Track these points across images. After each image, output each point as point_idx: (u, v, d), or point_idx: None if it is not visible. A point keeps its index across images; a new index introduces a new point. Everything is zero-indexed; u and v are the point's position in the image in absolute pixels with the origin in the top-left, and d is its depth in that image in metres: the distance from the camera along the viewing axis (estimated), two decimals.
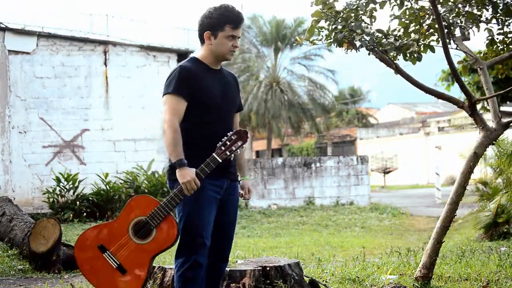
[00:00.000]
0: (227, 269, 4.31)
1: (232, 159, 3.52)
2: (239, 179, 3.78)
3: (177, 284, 3.54)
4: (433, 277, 4.80)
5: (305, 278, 4.58)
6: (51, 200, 12.34)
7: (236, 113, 3.79)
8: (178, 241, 3.54)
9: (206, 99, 3.54)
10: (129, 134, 14.05)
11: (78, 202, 12.30)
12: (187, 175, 3.39)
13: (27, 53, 13.50)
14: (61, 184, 12.37)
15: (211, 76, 3.61)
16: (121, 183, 12.76)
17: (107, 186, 12.44)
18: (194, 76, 3.54)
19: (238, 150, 3.43)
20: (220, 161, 3.41)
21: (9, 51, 13.38)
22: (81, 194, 12.43)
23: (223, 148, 3.42)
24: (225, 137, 3.43)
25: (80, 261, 3.63)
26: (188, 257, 3.49)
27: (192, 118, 3.54)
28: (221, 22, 3.54)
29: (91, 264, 3.59)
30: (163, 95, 3.55)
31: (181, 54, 14.89)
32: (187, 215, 3.51)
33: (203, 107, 3.54)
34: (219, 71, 3.69)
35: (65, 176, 12.40)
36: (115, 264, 3.53)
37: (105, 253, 3.55)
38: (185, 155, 3.46)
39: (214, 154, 3.42)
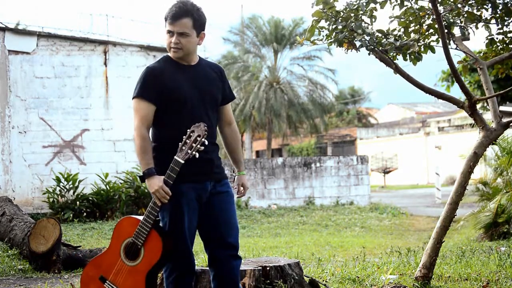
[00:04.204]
0: None
1: (199, 158, 3.35)
2: (235, 174, 3.68)
3: None
4: (433, 277, 4.80)
5: (305, 278, 4.58)
6: (51, 200, 12.34)
7: (224, 105, 3.66)
8: None
9: (174, 98, 3.42)
10: (129, 134, 14.02)
11: (78, 202, 12.30)
12: (154, 184, 3.33)
13: (27, 53, 13.50)
14: (61, 184, 12.37)
15: (181, 74, 3.47)
16: (121, 183, 12.76)
17: (107, 186, 12.44)
18: (160, 77, 3.42)
19: (199, 146, 3.28)
20: (183, 162, 3.29)
21: (9, 51, 13.38)
22: (81, 194, 12.43)
23: (183, 148, 3.29)
24: (184, 136, 3.30)
25: None
26: (176, 264, 3.45)
27: (165, 120, 3.44)
28: (165, 17, 3.46)
29: None
30: (132, 98, 3.47)
31: None
32: (169, 222, 3.44)
33: (173, 107, 3.43)
34: (195, 66, 3.53)
35: (65, 176, 12.40)
36: None
37: (106, 283, 3.51)
38: (161, 159, 3.39)
39: (175, 156, 3.31)
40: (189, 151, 3.28)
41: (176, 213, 3.42)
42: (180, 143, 3.31)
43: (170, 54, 3.50)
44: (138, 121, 3.41)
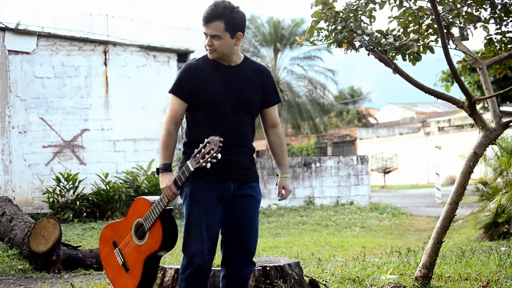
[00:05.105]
0: None
1: (235, 162, 3.42)
2: (279, 176, 3.65)
3: (180, 285, 3.51)
4: (433, 277, 4.80)
5: (305, 278, 4.58)
6: (51, 200, 12.34)
7: (267, 108, 3.62)
8: (184, 240, 3.47)
9: (204, 98, 3.44)
10: (129, 134, 14.05)
11: (78, 202, 12.31)
12: (164, 181, 3.41)
13: (27, 53, 13.51)
14: (61, 184, 12.38)
15: (216, 74, 3.48)
16: (121, 183, 12.76)
17: (107, 186, 12.45)
18: (195, 75, 3.45)
19: (212, 159, 3.26)
20: (193, 169, 3.30)
21: (9, 51, 13.39)
22: (81, 194, 12.43)
23: (197, 155, 3.30)
24: (201, 144, 3.30)
25: (101, 253, 3.90)
26: (190, 260, 3.43)
27: (195, 118, 3.49)
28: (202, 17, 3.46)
29: (107, 258, 3.82)
30: (168, 92, 3.57)
31: (181, 54, 14.90)
32: (187, 217, 3.47)
33: (203, 106, 3.46)
34: (235, 67, 3.52)
35: (65, 176, 12.40)
36: (121, 260, 3.69)
37: (116, 249, 3.72)
38: (188, 155, 3.42)
39: (188, 162, 3.33)
40: (201, 161, 3.28)
41: (193, 211, 3.44)
42: (195, 149, 3.31)
43: (208, 54, 3.51)
44: (168, 115, 3.49)
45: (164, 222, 3.50)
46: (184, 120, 3.60)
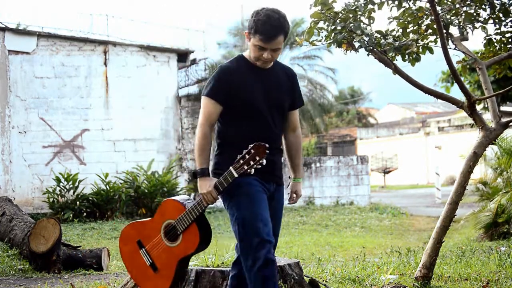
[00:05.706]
0: (227, 268, 4.30)
1: (275, 165, 3.43)
2: (291, 180, 3.65)
3: (258, 285, 3.32)
4: (433, 277, 4.80)
5: (305, 278, 4.58)
6: (51, 200, 12.35)
7: (292, 111, 3.64)
8: (241, 241, 3.37)
9: (242, 100, 3.42)
10: (129, 134, 14.05)
11: (78, 202, 12.31)
12: (204, 187, 3.35)
13: (27, 53, 13.52)
14: (61, 184, 12.38)
15: (252, 76, 3.47)
16: (121, 183, 12.77)
17: (107, 186, 12.45)
18: (232, 78, 3.43)
19: (256, 166, 3.24)
20: (237, 175, 3.28)
21: (9, 51, 13.39)
22: (81, 194, 12.44)
23: (241, 161, 3.27)
24: (245, 150, 3.27)
25: (122, 252, 3.87)
26: (257, 255, 3.30)
27: (231, 120, 3.47)
28: (254, 28, 3.37)
29: (130, 256, 3.79)
30: (202, 94, 3.51)
31: (181, 54, 14.92)
32: (243, 214, 3.35)
33: (239, 108, 3.44)
34: (268, 70, 3.52)
35: (65, 176, 12.41)
36: (148, 261, 3.66)
37: (142, 249, 3.69)
38: (222, 157, 3.42)
39: (231, 167, 3.29)
40: (245, 167, 3.26)
41: (249, 205, 3.36)
42: (239, 155, 3.28)
43: (257, 63, 3.47)
44: (202, 118, 3.44)
45: (200, 225, 3.48)
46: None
